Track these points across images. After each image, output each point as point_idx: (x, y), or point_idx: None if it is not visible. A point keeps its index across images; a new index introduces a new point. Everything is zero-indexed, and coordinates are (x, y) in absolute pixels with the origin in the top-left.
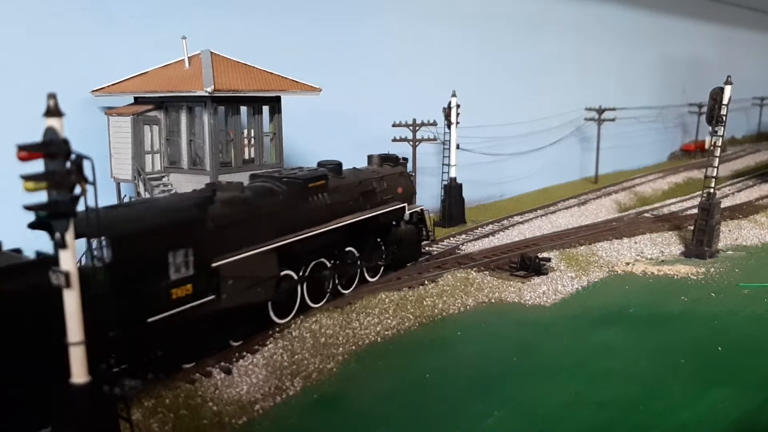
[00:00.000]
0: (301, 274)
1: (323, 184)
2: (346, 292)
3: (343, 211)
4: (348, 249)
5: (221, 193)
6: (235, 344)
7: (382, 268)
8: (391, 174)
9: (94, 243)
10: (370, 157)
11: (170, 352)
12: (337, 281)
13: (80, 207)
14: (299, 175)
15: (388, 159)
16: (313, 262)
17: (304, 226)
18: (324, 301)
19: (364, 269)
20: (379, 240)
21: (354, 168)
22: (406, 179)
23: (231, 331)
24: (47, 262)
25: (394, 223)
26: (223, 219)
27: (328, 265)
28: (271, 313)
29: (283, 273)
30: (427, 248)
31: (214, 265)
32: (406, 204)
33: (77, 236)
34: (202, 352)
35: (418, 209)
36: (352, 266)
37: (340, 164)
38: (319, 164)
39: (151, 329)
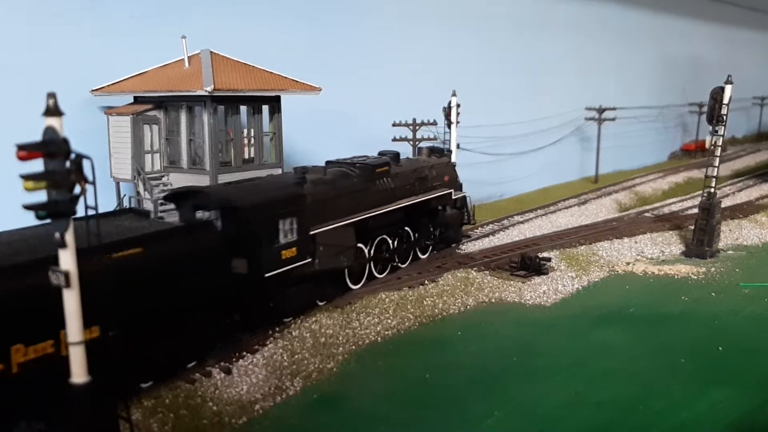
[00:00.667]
0: (368, 248)
1: (387, 170)
2: (402, 266)
3: (403, 194)
4: (405, 228)
5: (310, 176)
6: (321, 303)
7: (431, 247)
8: (438, 164)
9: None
10: (419, 149)
11: (278, 305)
12: (396, 256)
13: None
14: (368, 161)
15: (434, 150)
16: (378, 238)
17: (373, 205)
18: (386, 272)
19: (417, 247)
20: (429, 221)
21: (408, 158)
22: (451, 169)
23: (319, 292)
24: (205, 224)
25: (440, 207)
26: (316, 195)
27: (389, 241)
28: (347, 280)
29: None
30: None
31: (311, 232)
32: (452, 190)
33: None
34: (299, 308)
35: (461, 195)
36: (408, 243)
37: (398, 154)
38: (380, 153)
39: (267, 283)
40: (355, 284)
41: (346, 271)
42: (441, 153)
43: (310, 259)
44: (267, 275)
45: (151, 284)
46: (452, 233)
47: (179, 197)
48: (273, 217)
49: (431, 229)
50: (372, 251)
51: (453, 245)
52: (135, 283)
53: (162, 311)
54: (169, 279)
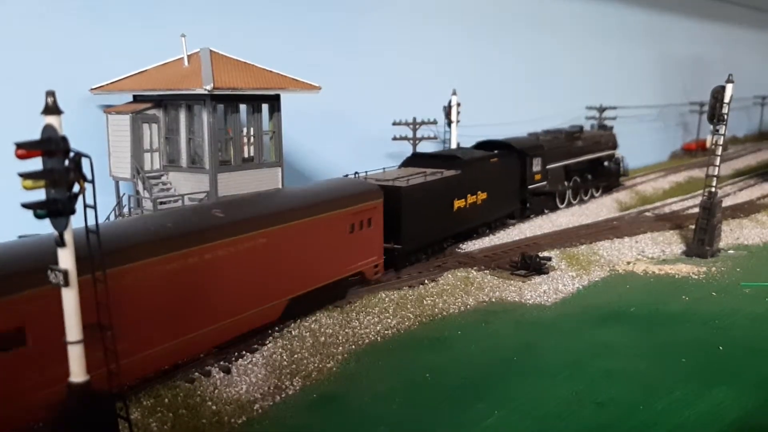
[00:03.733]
0: (568, 183)
1: (579, 135)
2: (585, 198)
3: (587, 151)
4: (587, 174)
5: (540, 137)
6: (546, 212)
7: (601, 189)
8: (605, 134)
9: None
10: (592, 126)
11: (532, 206)
12: (584, 192)
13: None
14: (567, 129)
15: (602, 126)
16: (573, 178)
17: (572, 156)
18: (576, 202)
19: (594, 187)
20: (600, 171)
21: (587, 129)
22: (613, 138)
23: (545, 205)
24: (512, 153)
25: (606, 163)
26: (547, 146)
27: (579, 181)
28: (558, 201)
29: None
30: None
31: (547, 167)
32: (614, 152)
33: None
34: (537, 212)
35: (618, 156)
36: (590, 183)
37: (582, 126)
38: (570, 126)
39: (528, 192)
40: (561, 205)
41: (557, 195)
42: (605, 128)
43: (545, 183)
44: (528, 186)
45: (503, 174)
46: (613, 180)
47: (484, 145)
48: (531, 155)
49: (601, 177)
50: (570, 185)
51: (613, 189)
52: (496, 172)
53: (501, 187)
54: (503, 173)
